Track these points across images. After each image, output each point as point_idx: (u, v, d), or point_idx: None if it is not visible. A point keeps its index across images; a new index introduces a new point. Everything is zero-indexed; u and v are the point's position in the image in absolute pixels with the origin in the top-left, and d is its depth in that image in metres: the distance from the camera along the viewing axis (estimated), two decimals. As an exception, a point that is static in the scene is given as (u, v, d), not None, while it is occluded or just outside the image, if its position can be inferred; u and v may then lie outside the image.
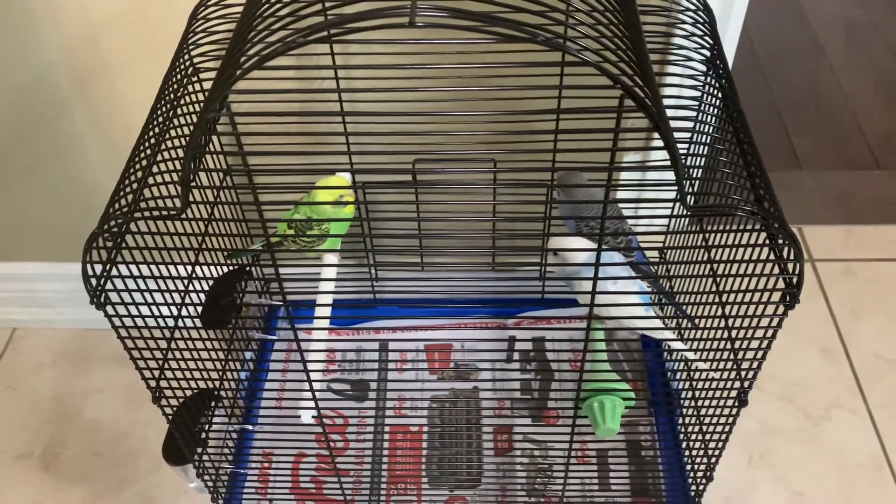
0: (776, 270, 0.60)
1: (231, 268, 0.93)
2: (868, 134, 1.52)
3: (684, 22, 0.75)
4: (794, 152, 1.49)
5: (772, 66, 1.68)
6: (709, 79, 0.76)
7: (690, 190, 0.82)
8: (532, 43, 0.45)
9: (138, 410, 1.13)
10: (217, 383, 0.86)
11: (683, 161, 0.86)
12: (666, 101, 0.84)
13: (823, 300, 1.24)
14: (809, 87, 1.63)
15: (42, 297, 1.21)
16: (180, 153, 0.68)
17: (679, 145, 0.84)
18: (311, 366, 0.79)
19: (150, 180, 0.65)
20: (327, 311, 0.87)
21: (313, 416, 0.79)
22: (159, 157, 0.68)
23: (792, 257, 0.58)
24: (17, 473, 1.09)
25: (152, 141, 0.69)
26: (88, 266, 0.61)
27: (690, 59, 0.76)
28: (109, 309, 0.64)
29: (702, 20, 0.75)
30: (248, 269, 0.95)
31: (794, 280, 0.58)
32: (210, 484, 0.85)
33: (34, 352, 1.23)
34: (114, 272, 0.64)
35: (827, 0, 1.86)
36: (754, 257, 0.63)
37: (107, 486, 1.07)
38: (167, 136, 0.70)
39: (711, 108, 0.76)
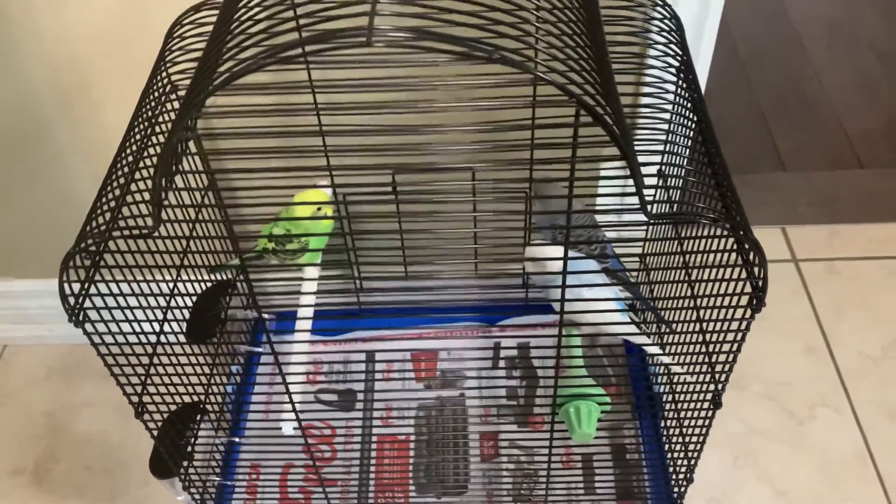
0: (745, 275, 0.62)
1: (215, 282, 0.94)
2: (851, 133, 1.53)
3: (650, 31, 0.76)
4: (777, 153, 1.50)
5: (754, 66, 1.69)
6: (678, 88, 0.77)
7: (665, 198, 0.83)
8: (488, 61, 0.46)
9: (128, 424, 1.13)
10: (203, 397, 0.87)
11: (661, 170, 0.87)
12: (640, 111, 0.86)
13: (807, 299, 1.25)
14: (792, 88, 1.65)
15: (32, 313, 1.22)
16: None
17: (653, 156, 0.86)
18: (293, 378, 0.80)
19: (129, 199, 0.66)
20: (308, 324, 0.88)
21: (294, 428, 0.80)
22: (137, 176, 0.69)
23: (757, 262, 0.59)
24: (11, 489, 1.09)
25: (129, 159, 0.70)
26: (66, 285, 0.62)
27: (659, 68, 0.77)
28: (89, 326, 0.65)
29: (668, 28, 0.76)
30: (232, 282, 0.96)
31: (760, 284, 0.59)
32: (197, 497, 0.86)
33: (25, 368, 1.24)
34: (93, 290, 0.65)
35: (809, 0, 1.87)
36: (724, 262, 0.64)
37: (98, 499, 1.07)
38: (145, 153, 0.71)
39: (681, 117, 0.77)
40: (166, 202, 0.57)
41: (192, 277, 0.85)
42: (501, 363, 1.05)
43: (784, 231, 1.35)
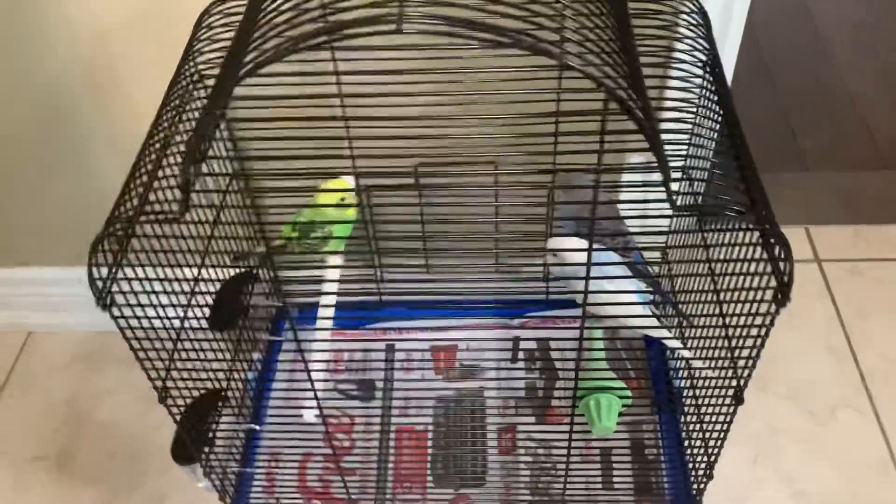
0: (769, 269, 0.61)
1: (239, 270, 0.94)
2: (875, 134, 1.52)
3: (679, 25, 0.76)
4: (801, 153, 1.49)
5: (779, 67, 1.68)
6: (705, 82, 0.77)
7: (689, 190, 0.83)
8: (518, 48, 0.46)
9: (151, 412, 1.15)
10: (224, 384, 0.87)
11: (685, 163, 0.87)
12: (666, 104, 0.85)
13: (830, 300, 1.24)
14: (816, 88, 1.64)
15: (57, 300, 1.24)
16: (185, 158, 0.70)
17: (678, 148, 0.85)
18: (314, 366, 0.81)
19: (156, 185, 0.67)
20: (331, 312, 0.88)
21: (315, 416, 0.81)
22: (165, 162, 0.70)
23: (782, 257, 0.59)
24: (33, 475, 1.11)
25: (157, 146, 0.71)
26: (94, 269, 0.63)
27: (686, 62, 0.77)
28: (115, 310, 0.65)
29: (695, 22, 0.76)
30: (255, 271, 0.97)
31: (785, 279, 0.59)
32: (217, 483, 0.86)
33: (49, 355, 1.25)
34: (119, 275, 0.65)
35: (833, 1, 1.86)
36: (749, 256, 0.64)
37: (120, 486, 1.09)
38: (173, 140, 0.72)
39: (708, 111, 0.76)
40: (193, 188, 0.58)
41: (217, 263, 0.86)
42: (520, 357, 1.05)
43: (807, 231, 1.34)
